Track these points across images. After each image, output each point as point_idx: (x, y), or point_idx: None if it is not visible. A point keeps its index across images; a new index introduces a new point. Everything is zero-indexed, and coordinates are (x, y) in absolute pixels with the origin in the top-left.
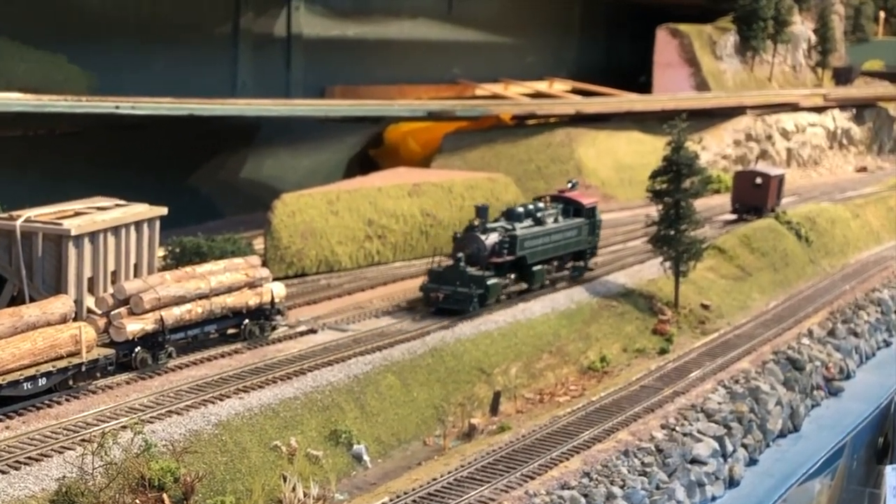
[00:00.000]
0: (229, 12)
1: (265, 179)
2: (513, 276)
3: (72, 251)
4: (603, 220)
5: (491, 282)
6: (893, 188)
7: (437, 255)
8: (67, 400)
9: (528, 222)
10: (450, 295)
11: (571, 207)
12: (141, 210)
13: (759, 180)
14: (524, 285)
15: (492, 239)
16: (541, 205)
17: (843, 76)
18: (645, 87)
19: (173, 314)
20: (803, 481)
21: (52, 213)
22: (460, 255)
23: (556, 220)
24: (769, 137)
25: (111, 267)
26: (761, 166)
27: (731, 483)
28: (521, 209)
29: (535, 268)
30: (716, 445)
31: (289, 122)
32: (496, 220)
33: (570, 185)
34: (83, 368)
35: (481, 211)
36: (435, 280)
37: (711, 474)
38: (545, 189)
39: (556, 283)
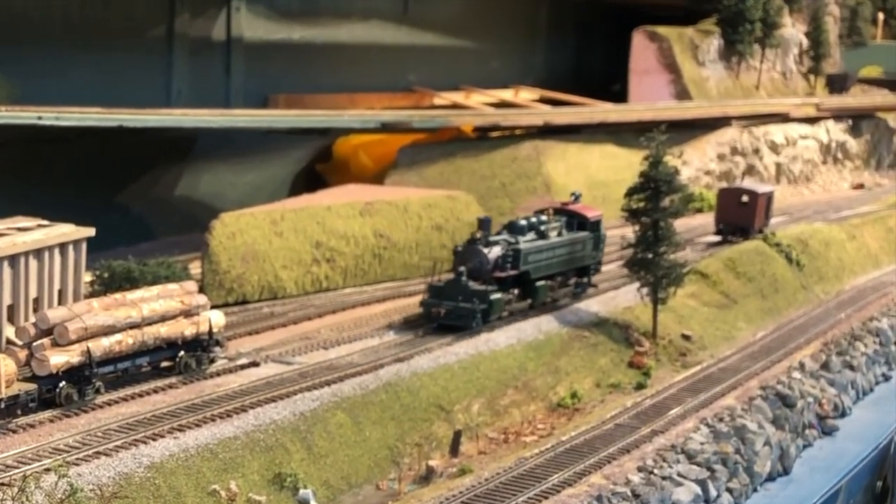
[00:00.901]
0: (163, 14)
1: (202, 197)
2: (516, 291)
3: None
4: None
5: (494, 297)
6: (893, 207)
7: (438, 268)
8: None
9: (532, 235)
10: (452, 310)
11: (575, 220)
12: (66, 231)
13: (745, 198)
14: (526, 302)
15: (495, 252)
16: (544, 217)
17: (837, 84)
18: (620, 95)
19: (101, 345)
20: None
21: None
22: (462, 268)
23: (559, 234)
24: (756, 151)
25: (33, 293)
26: (748, 183)
27: None
28: (523, 221)
29: (539, 283)
30: (698, 490)
31: (229, 134)
32: (498, 233)
33: (573, 197)
34: (2, 405)
35: (484, 223)
36: (435, 295)
37: None
38: (510, 208)
39: (557, 301)
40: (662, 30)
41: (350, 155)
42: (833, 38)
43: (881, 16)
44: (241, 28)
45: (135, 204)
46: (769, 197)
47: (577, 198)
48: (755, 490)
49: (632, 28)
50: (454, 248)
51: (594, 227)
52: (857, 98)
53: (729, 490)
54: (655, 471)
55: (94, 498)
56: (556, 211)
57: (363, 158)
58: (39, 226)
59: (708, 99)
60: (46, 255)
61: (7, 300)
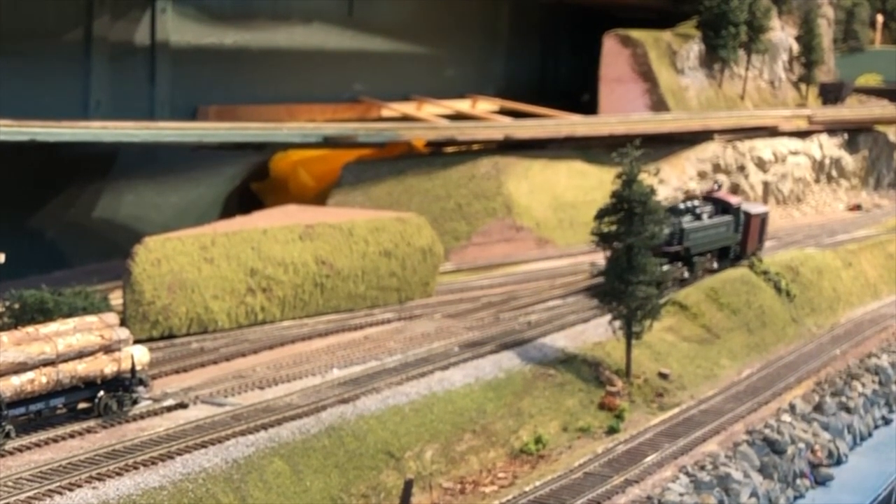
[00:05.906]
0: (80, 15)
1: (124, 220)
2: (679, 264)
3: None
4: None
5: (665, 268)
6: (893, 230)
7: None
8: None
9: (689, 217)
10: None
11: (720, 206)
12: None
13: None
14: (686, 274)
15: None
16: (696, 202)
17: (832, 94)
18: (589, 107)
19: (12, 385)
20: None
21: None
22: None
23: (710, 217)
24: (742, 168)
25: None
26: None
27: None
28: (682, 205)
29: (696, 258)
30: None
31: (153, 149)
32: None
33: (717, 186)
34: None
35: None
36: None
37: None
38: (466, 232)
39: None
40: (636, 34)
41: (289, 173)
42: (827, 42)
43: (880, 18)
44: (167, 31)
45: (48, 227)
46: (763, 218)
47: (720, 186)
48: None
49: (602, 32)
50: None
51: (736, 212)
52: (853, 110)
53: None
54: None
55: None
56: (704, 197)
57: (303, 176)
58: None
59: (687, 110)
60: None
61: None
